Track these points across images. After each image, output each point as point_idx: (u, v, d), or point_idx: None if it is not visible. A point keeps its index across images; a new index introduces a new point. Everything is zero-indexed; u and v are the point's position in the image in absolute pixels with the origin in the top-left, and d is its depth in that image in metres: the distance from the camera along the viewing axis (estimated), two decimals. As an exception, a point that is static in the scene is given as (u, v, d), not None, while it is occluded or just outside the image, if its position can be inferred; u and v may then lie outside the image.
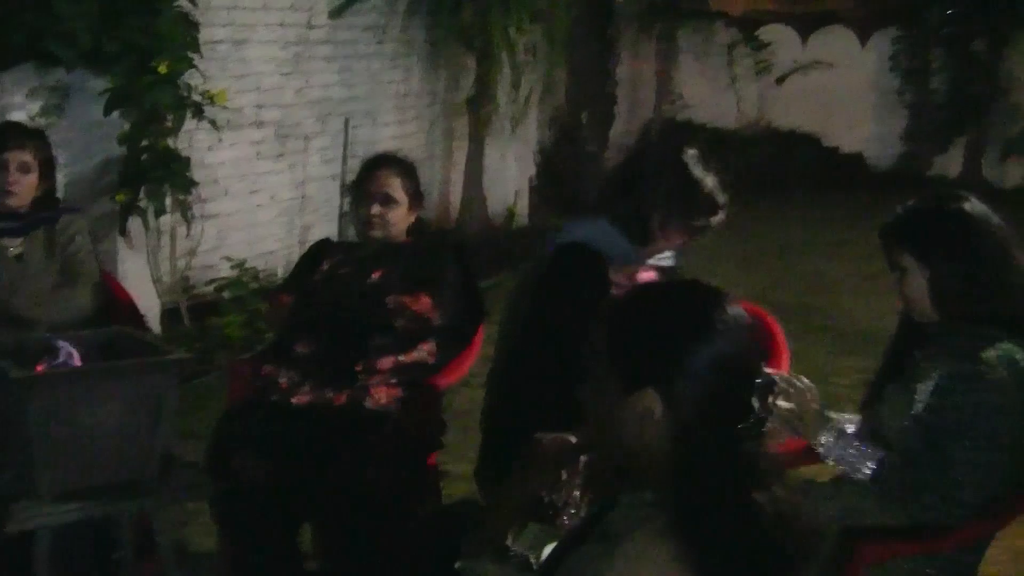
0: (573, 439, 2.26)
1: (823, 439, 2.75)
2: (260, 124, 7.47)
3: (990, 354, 2.65)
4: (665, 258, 3.41)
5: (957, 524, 2.66)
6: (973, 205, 2.82)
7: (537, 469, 2.25)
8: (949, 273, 2.73)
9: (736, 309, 1.82)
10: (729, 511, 1.72)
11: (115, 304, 4.11)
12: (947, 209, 2.80)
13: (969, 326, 2.72)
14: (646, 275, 3.38)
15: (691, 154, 3.18)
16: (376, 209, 3.77)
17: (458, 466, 4.78)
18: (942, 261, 2.74)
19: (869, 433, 2.88)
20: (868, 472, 2.70)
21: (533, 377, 3.25)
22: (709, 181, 3.16)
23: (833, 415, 2.86)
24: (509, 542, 2.30)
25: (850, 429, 2.89)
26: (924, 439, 2.67)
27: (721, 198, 3.18)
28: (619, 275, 3.24)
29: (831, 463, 2.77)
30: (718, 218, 3.20)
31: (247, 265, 6.96)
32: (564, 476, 2.30)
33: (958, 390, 2.63)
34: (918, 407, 2.70)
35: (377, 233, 3.79)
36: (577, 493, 3.14)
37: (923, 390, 2.71)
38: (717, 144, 12.93)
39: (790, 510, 1.76)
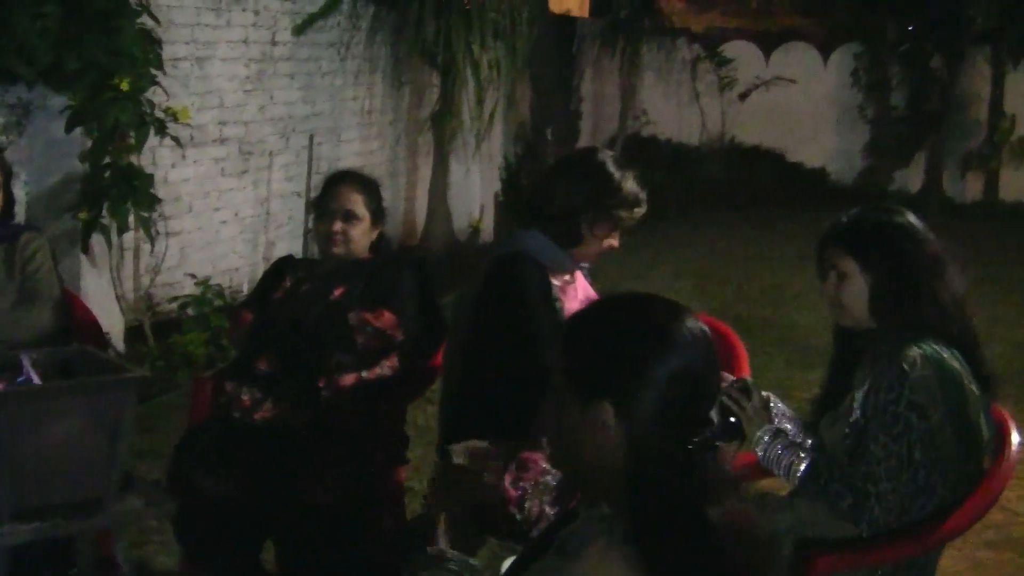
0: (486, 444, 2.27)
1: (760, 437, 2.84)
2: (223, 141, 7.46)
3: (913, 353, 2.70)
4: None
5: (904, 532, 2.70)
6: (915, 219, 2.89)
7: (454, 479, 2.26)
8: (890, 280, 2.79)
9: (695, 322, 1.84)
10: (682, 525, 1.72)
11: (76, 322, 4.08)
12: (893, 219, 2.86)
13: (896, 331, 2.78)
14: (580, 280, 3.49)
15: (608, 155, 3.41)
16: (338, 226, 3.77)
17: (422, 482, 4.77)
18: (885, 268, 2.79)
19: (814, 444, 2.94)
20: (798, 474, 2.77)
21: (481, 392, 3.29)
22: (629, 177, 3.35)
23: (775, 409, 2.92)
24: (447, 551, 2.31)
25: (789, 427, 2.95)
26: (855, 444, 2.73)
27: (642, 192, 3.37)
28: (558, 279, 3.37)
29: (764, 463, 2.84)
30: (641, 210, 3.38)
31: (211, 282, 6.94)
32: (487, 479, 2.30)
33: (882, 388, 2.69)
34: (856, 414, 2.76)
35: (339, 250, 3.79)
36: (549, 509, 3.16)
37: (857, 398, 2.77)
38: (681, 159, 13.04)
39: (744, 523, 1.77)
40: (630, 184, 3.33)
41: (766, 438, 2.84)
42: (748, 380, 2.93)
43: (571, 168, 3.42)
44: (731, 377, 3.02)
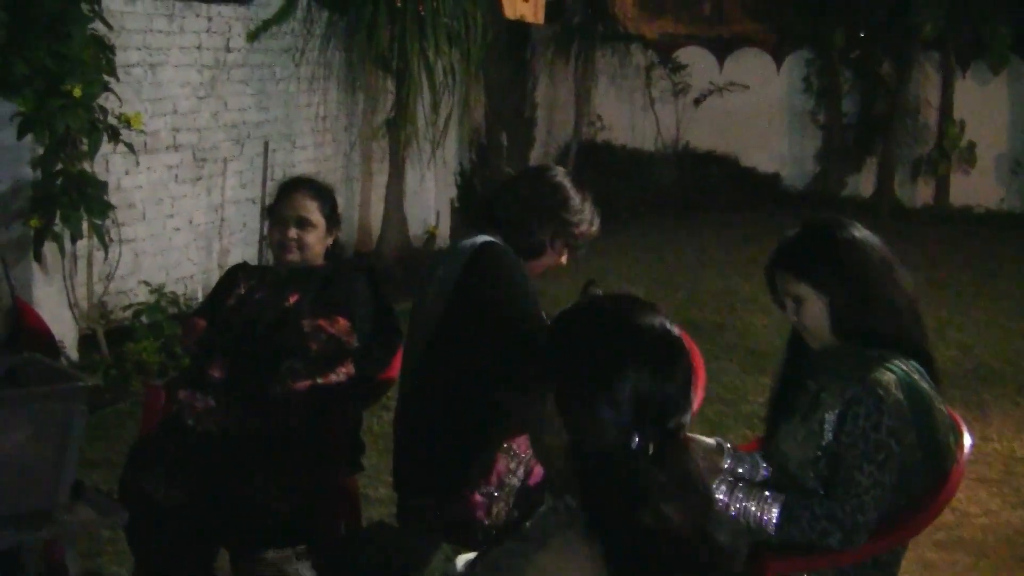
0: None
1: (718, 490, 2.70)
2: (176, 148, 7.41)
3: (887, 377, 2.67)
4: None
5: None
6: (856, 228, 2.85)
7: None
8: (847, 297, 2.76)
9: (669, 332, 1.85)
10: (630, 521, 1.74)
11: (28, 331, 4.04)
12: (835, 234, 2.82)
13: (861, 349, 2.75)
14: None
15: (565, 173, 3.49)
16: (292, 232, 3.75)
17: (377, 489, 4.77)
18: (839, 286, 2.76)
19: (772, 471, 2.89)
20: (772, 521, 2.67)
21: (445, 393, 3.27)
22: (588, 198, 3.46)
23: (727, 451, 2.86)
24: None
25: (742, 471, 2.87)
26: (830, 467, 2.70)
27: (596, 216, 3.48)
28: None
29: (731, 515, 2.69)
30: (595, 233, 3.49)
31: (165, 290, 6.89)
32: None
33: (860, 415, 2.66)
34: (828, 437, 2.72)
35: (293, 256, 3.77)
36: (516, 512, 3.15)
37: (829, 420, 2.72)
38: (635, 165, 13.08)
39: (700, 521, 1.79)
40: (588, 204, 3.44)
41: (723, 487, 2.72)
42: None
43: (534, 183, 3.46)
44: None
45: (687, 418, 1.85)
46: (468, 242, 3.37)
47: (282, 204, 3.79)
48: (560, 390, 1.83)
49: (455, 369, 3.27)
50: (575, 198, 3.40)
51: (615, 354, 1.81)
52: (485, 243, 3.32)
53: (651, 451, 1.78)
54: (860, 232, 2.85)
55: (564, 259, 3.47)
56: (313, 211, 3.78)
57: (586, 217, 3.42)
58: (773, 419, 3.00)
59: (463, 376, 3.25)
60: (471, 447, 3.24)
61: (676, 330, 1.86)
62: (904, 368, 2.72)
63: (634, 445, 1.78)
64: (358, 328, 3.67)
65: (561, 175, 3.45)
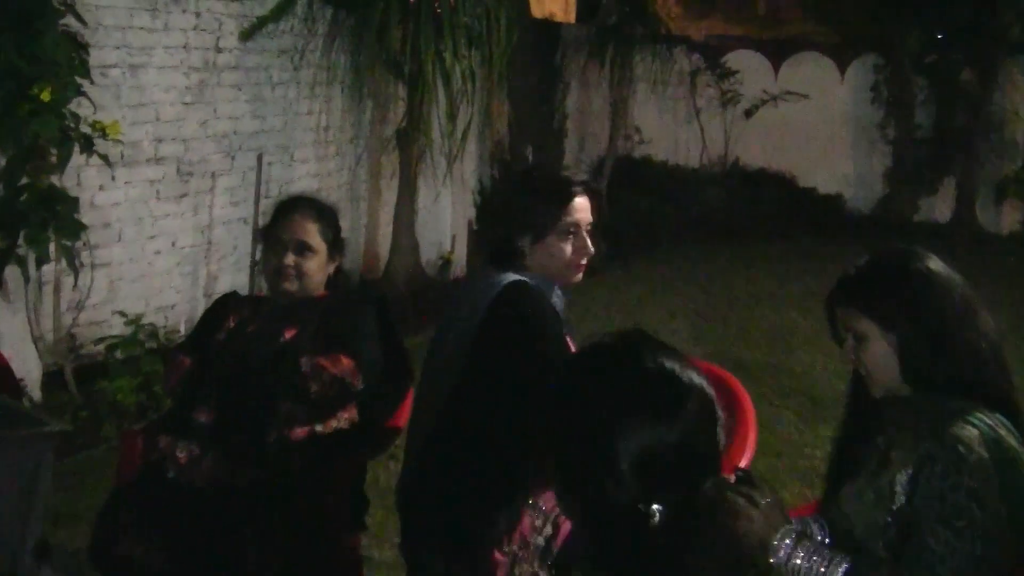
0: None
1: (779, 542, 2.60)
2: (159, 160, 7.44)
3: (968, 433, 2.63)
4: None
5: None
6: (931, 259, 2.83)
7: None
8: (918, 337, 2.74)
9: (692, 376, 1.85)
10: None
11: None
12: (909, 266, 2.80)
13: (937, 400, 2.73)
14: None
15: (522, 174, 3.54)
16: (290, 259, 3.77)
17: (382, 551, 4.76)
18: (909, 324, 2.74)
19: (835, 536, 2.86)
20: None
21: (473, 439, 3.27)
22: (530, 185, 3.56)
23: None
24: None
25: (814, 528, 2.84)
26: (902, 535, 2.67)
27: (573, 176, 3.53)
28: None
29: (789, 570, 2.60)
30: (577, 204, 3.43)
31: (143, 321, 6.90)
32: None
33: (936, 475, 2.63)
34: (900, 500, 2.69)
35: (291, 286, 3.79)
36: (541, 573, 3.15)
37: (901, 481, 2.69)
38: (678, 184, 13.09)
39: None
40: (544, 174, 3.58)
41: (787, 542, 2.60)
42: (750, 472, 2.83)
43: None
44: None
45: (714, 469, 1.84)
46: (492, 280, 3.39)
47: (279, 226, 3.81)
48: (557, 457, 1.85)
49: (479, 419, 3.28)
50: (517, 184, 3.56)
51: (608, 413, 1.82)
52: (512, 284, 3.34)
53: (663, 518, 1.78)
54: (935, 263, 2.83)
55: (568, 248, 3.42)
56: (314, 235, 3.79)
57: (536, 198, 3.43)
58: (835, 478, 2.97)
59: (487, 426, 3.26)
60: (493, 502, 3.23)
61: (677, 366, 1.85)
62: (988, 422, 2.69)
63: (656, 518, 1.78)
64: (364, 368, 3.68)
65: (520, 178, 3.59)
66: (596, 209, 3.49)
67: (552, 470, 1.87)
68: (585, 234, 3.43)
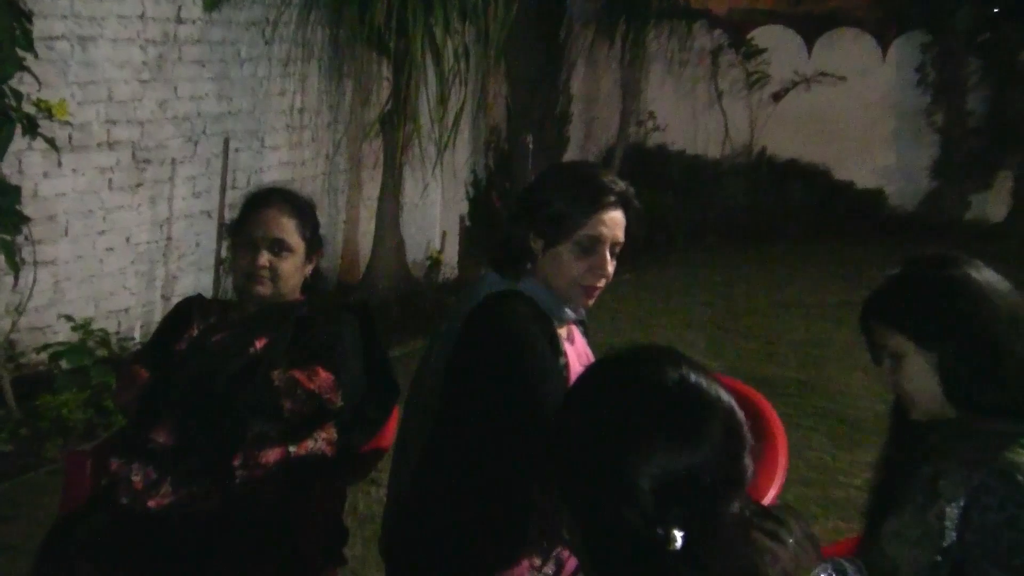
0: None
1: None
2: (112, 145, 7.45)
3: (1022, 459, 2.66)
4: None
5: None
6: (976, 268, 2.83)
7: None
8: (960, 355, 2.75)
9: (719, 392, 1.86)
10: None
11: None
12: (946, 275, 2.81)
13: (987, 423, 2.74)
14: (577, 336, 3.49)
15: (595, 165, 3.54)
16: (264, 259, 3.77)
17: (363, 588, 4.77)
18: (949, 340, 2.75)
19: None
20: None
21: (459, 470, 3.27)
22: (601, 172, 3.35)
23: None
24: None
25: (849, 567, 2.84)
26: (944, 571, 2.67)
27: (614, 182, 3.29)
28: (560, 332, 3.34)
29: None
30: (608, 214, 3.25)
31: (92, 327, 6.91)
32: None
33: (990, 508, 2.63)
34: (950, 537, 2.69)
35: (264, 289, 3.79)
36: None
37: (951, 515, 2.69)
38: (697, 177, 13.09)
39: None
40: (570, 177, 3.33)
41: None
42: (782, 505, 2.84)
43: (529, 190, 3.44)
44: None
45: (740, 496, 1.86)
46: (477, 288, 3.37)
47: (251, 221, 3.81)
48: (565, 488, 1.87)
49: (462, 450, 3.28)
50: (545, 175, 3.38)
51: (627, 431, 1.83)
52: (496, 295, 3.29)
53: (682, 543, 1.79)
54: (978, 271, 2.83)
55: (600, 267, 3.27)
56: (291, 232, 3.80)
57: (559, 196, 3.26)
58: (876, 512, 2.97)
59: (471, 458, 3.25)
60: (486, 541, 3.24)
61: (704, 381, 1.87)
62: None
63: (676, 543, 1.79)
64: (344, 383, 3.69)
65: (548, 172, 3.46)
66: (631, 229, 3.30)
67: (557, 494, 1.88)
68: (607, 254, 3.26)
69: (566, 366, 3.27)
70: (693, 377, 1.87)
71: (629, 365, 1.91)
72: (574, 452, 1.87)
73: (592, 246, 3.23)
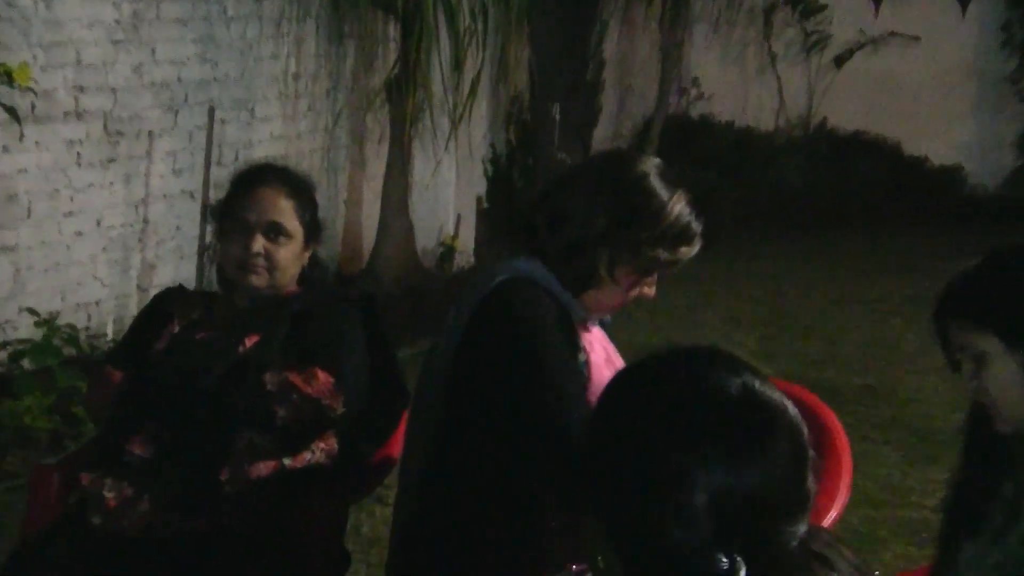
0: None
1: None
2: (80, 115, 7.46)
3: None
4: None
5: None
6: None
7: None
8: None
9: (780, 400, 1.86)
10: None
11: None
12: None
13: None
14: (599, 336, 3.50)
15: (653, 164, 3.37)
16: (259, 245, 3.76)
17: (366, 620, 4.79)
18: None
19: None
20: None
21: (469, 483, 3.29)
22: (679, 198, 3.31)
23: None
24: None
25: None
26: None
27: (696, 222, 3.33)
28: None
29: None
30: (691, 250, 3.35)
31: (59, 322, 6.93)
32: None
33: None
34: None
35: (259, 280, 3.77)
36: None
37: None
38: (747, 152, 13.07)
39: None
40: (679, 209, 3.30)
41: None
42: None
43: (592, 177, 3.41)
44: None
45: (803, 521, 1.85)
46: (493, 273, 3.39)
47: (243, 203, 3.81)
48: (603, 505, 1.86)
49: (474, 456, 3.29)
50: (654, 202, 3.29)
51: (672, 446, 1.82)
52: (507, 282, 3.32)
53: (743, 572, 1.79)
54: None
55: (649, 291, 3.38)
56: (289, 215, 3.79)
57: (671, 231, 3.29)
58: (952, 537, 2.98)
59: (485, 465, 3.27)
60: (506, 561, 3.25)
61: (770, 392, 1.86)
62: None
63: (720, 567, 1.78)
64: (346, 386, 3.69)
65: (644, 166, 3.37)
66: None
67: (592, 513, 1.87)
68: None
69: (587, 363, 3.30)
70: (757, 384, 1.86)
71: (682, 367, 1.90)
72: (616, 461, 1.86)
73: (654, 275, 3.35)
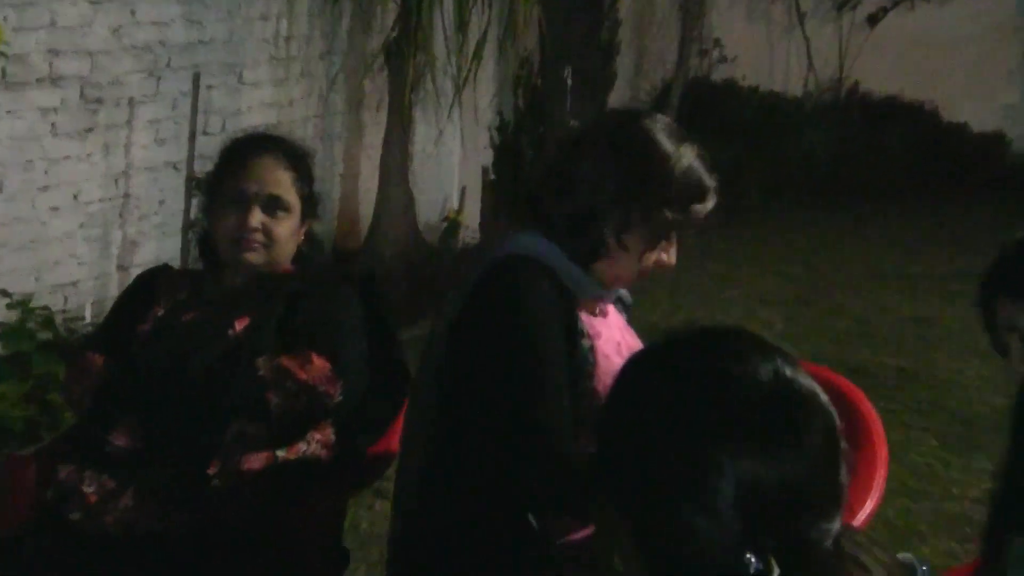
0: None
1: None
2: (56, 81, 7.46)
3: None
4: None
5: None
6: None
7: None
8: None
9: (810, 387, 1.85)
10: None
11: None
12: None
13: None
14: (614, 316, 3.53)
15: (658, 121, 3.38)
16: (257, 219, 3.76)
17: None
18: None
19: None
20: None
21: (461, 471, 3.30)
22: (687, 153, 3.32)
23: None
24: None
25: None
26: None
27: (708, 178, 3.34)
28: (581, 311, 3.36)
29: None
30: (706, 207, 3.34)
31: (33, 304, 6.93)
32: None
33: None
34: None
35: (256, 257, 3.78)
36: None
37: None
38: (773, 118, 13.07)
39: None
40: (687, 162, 3.31)
41: None
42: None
43: (598, 140, 3.39)
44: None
45: (837, 518, 1.85)
46: (490, 252, 3.41)
47: (239, 174, 3.81)
48: (622, 498, 1.86)
49: (469, 448, 3.29)
50: (659, 159, 3.29)
51: (699, 438, 1.82)
52: (502, 260, 3.32)
53: (776, 573, 1.79)
54: None
55: (668, 257, 3.37)
56: (287, 187, 3.80)
57: (682, 190, 3.29)
58: (998, 531, 2.99)
59: (480, 459, 3.28)
60: (512, 559, 3.26)
61: (802, 378, 1.86)
62: None
63: (752, 568, 1.78)
64: (344, 372, 3.70)
65: (650, 122, 3.37)
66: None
67: (611, 506, 1.87)
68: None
69: (591, 349, 3.30)
70: (788, 371, 1.85)
71: (707, 351, 1.90)
72: (639, 453, 1.85)
73: (675, 240, 3.35)
